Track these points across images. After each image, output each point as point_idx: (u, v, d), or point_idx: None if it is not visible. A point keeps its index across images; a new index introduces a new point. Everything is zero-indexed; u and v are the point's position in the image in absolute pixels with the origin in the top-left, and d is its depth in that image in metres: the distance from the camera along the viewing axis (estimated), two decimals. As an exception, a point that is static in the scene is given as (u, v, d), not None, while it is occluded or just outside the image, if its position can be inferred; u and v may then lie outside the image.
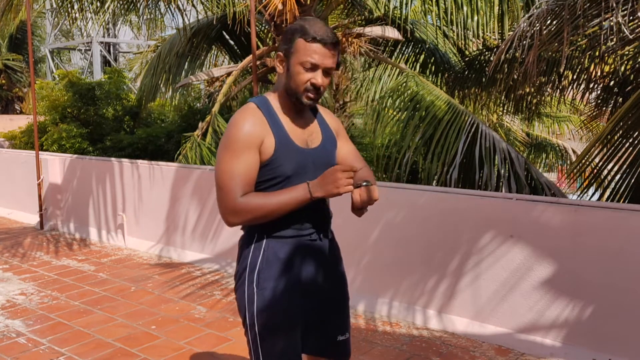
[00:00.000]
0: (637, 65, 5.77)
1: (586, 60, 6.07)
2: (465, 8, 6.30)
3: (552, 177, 12.67)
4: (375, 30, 6.61)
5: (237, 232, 1.94)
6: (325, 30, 1.79)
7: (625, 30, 3.85)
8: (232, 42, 8.33)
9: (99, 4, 6.70)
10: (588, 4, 4.06)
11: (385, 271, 4.09)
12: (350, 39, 6.23)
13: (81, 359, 3.38)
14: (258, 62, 6.68)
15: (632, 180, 4.40)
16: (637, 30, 4.63)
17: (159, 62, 8.11)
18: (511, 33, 5.13)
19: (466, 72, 7.33)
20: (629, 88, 6.04)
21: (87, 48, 25.23)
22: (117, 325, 3.89)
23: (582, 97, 6.72)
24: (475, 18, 6.32)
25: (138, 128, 9.73)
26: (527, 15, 4.59)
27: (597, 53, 5.71)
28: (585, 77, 6.27)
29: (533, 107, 7.72)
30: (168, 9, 7.01)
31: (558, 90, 6.77)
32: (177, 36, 7.92)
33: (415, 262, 3.91)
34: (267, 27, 7.79)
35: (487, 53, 7.26)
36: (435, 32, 7.39)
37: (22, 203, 7.48)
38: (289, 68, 1.82)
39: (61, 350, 3.49)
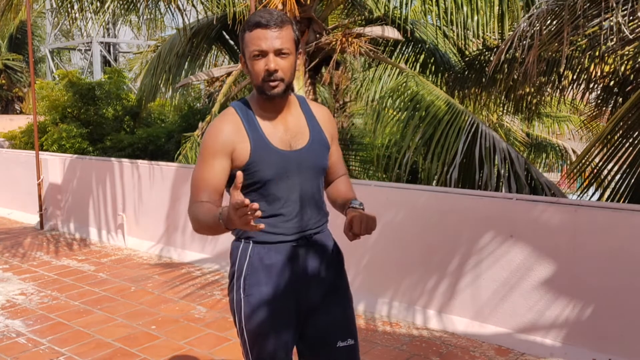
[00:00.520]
0: (637, 65, 5.77)
1: (586, 60, 6.07)
2: (465, 8, 6.30)
3: (552, 177, 12.66)
4: (375, 30, 6.61)
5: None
6: (264, 15, 1.71)
7: (625, 30, 3.85)
8: (232, 42, 8.33)
9: (99, 4, 6.70)
10: (588, 4, 4.06)
11: (385, 271, 4.09)
12: (350, 39, 6.23)
13: (81, 359, 3.38)
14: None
15: (632, 180, 4.39)
16: (637, 30, 4.63)
17: (159, 62, 8.11)
18: (511, 33, 5.13)
19: (466, 72, 7.33)
20: (629, 88, 6.04)
21: (87, 48, 25.23)
22: (117, 325, 3.89)
23: (582, 97, 6.72)
24: (475, 18, 6.32)
25: (138, 128, 9.74)
26: (527, 15, 4.59)
27: (597, 53, 5.71)
28: (585, 77, 6.27)
29: (533, 107, 7.72)
30: (168, 9, 7.01)
31: (558, 90, 6.77)
32: (177, 36, 7.92)
33: (415, 262, 3.91)
34: (267, 27, 7.78)
35: (487, 53, 7.26)
36: (435, 32, 7.39)
37: (22, 203, 7.48)
38: (247, 66, 1.77)
39: (61, 350, 3.49)
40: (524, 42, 4.34)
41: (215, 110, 6.92)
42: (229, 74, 7.39)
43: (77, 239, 6.40)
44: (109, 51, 25.13)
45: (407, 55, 7.65)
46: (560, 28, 4.24)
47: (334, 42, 6.19)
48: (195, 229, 1.74)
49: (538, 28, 4.23)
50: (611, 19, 4.01)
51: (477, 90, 7.33)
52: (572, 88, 6.57)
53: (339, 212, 1.97)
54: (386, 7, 6.64)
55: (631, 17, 4.31)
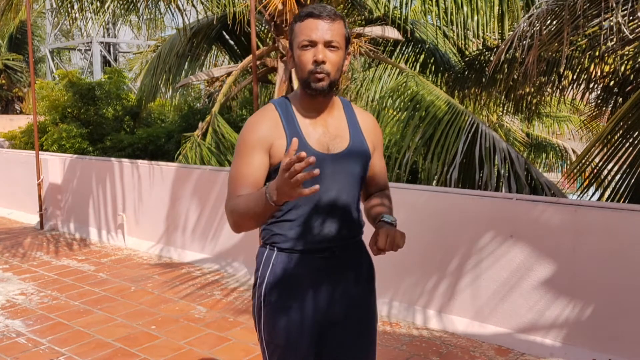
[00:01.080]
0: (637, 65, 5.77)
1: (586, 60, 6.07)
2: (465, 8, 6.31)
3: (552, 177, 12.66)
4: (375, 30, 6.61)
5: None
6: (317, 6, 1.66)
7: (625, 30, 3.85)
8: (232, 42, 8.34)
9: (99, 4, 6.70)
10: (588, 4, 4.06)
11: (385, 271, 4.07)
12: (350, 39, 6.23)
13: (81, 359, 3.38)
14: (258, 62, 6.68)
15: (632, 180, 4.39)
16: (637, 30, 4.63)
17: (159, 62, 8.12)
18: (511, 33, 5.13)
19: (466, 72, 7.33)
20: (629, 88, 6.04)
21: (87, 48, 25.24)
22: (117, 325, 3.89)
23: (582, 97, 6.72)
24: (475, 18, 6.33)
25: (138, 128, 9.74)
26: (527, 15, 4.59)
27: (597, 53, 5.71)
28: (585, 77, 6.27)
29: (533, 107, 7.72)
30: (168, 9, 7.01)
31: (558, 90, 6.77)
32: (177, 36, 7.92)
33: (415, 262, 3.91)
34: (267, 27, 7.79)
35: (487, 53, 7.26)
36: (435, 32, 7.39)
37: (22, 203, 7.48)
38: (294, 58, 1.69)
39: (61, 350, 3.49)
40: (524, 42, 4.35)
41: (215, 110, 6.91)
42: (229, 74, 7.39)
43: (77, 239, 6.40)
44: (109, 51, 25.14)
45: (407, 55, 7.66)
46: (560, 28, 4.24)
47: (334, 42, 6.17)
48: (234, 222, 1.64)
49: (538, 28, 4.23)
50: (611, 19, 4.01)
51: (477, 90, 7.34)
52: (572, 88, 6.57)
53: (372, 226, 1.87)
54: (386, 7, 6.65)
55: (631, 17, 4.31)
